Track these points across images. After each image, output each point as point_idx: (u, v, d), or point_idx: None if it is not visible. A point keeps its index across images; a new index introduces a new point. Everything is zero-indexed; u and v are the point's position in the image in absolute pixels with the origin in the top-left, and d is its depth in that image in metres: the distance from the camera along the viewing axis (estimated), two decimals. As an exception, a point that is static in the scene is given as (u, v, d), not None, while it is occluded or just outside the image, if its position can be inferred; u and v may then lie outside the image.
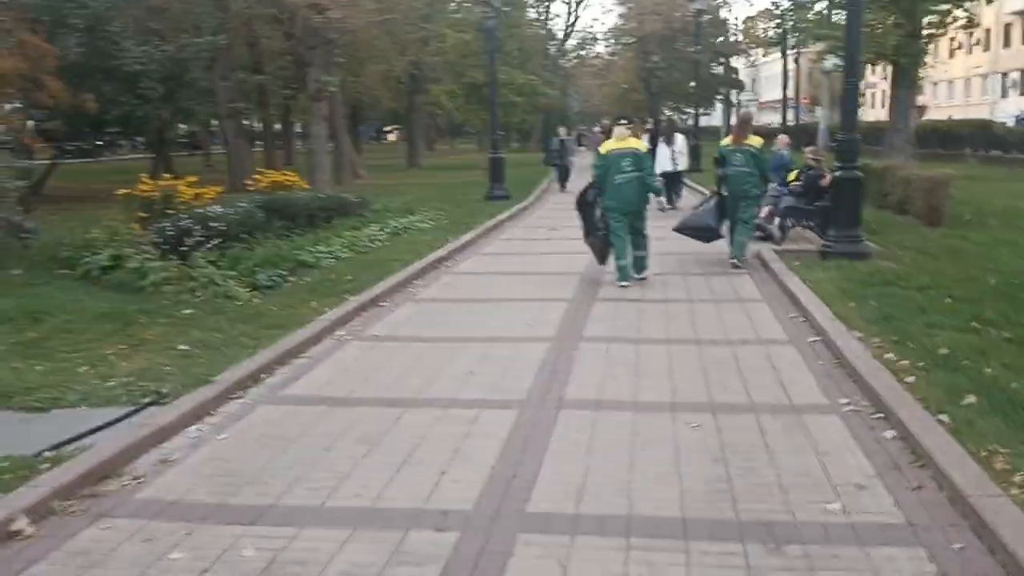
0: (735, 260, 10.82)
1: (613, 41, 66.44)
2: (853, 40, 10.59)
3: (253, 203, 12.37)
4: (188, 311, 8.28)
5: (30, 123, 24.98)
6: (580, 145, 62.96)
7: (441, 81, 38.71)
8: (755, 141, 10.81)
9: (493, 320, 8.18)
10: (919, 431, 4.77)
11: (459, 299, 9.25)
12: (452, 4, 38.27)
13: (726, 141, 11.23)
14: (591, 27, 66.05)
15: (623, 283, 9.80)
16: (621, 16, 61.52)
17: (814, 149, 13.25)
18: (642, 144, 11.01)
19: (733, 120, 71.76)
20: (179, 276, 9.27)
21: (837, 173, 10.82)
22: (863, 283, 8.92)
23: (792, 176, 13.64)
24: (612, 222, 9.96)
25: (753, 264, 11.02)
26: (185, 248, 10.15)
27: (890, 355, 6.29)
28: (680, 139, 18.82)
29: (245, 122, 38.26)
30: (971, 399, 5.28)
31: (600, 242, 10.24)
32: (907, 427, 4.86)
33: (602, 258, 10.37)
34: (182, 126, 48.80)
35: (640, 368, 6.45)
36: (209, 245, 10.30)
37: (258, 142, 41.37)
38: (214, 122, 34.03)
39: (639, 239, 10.22)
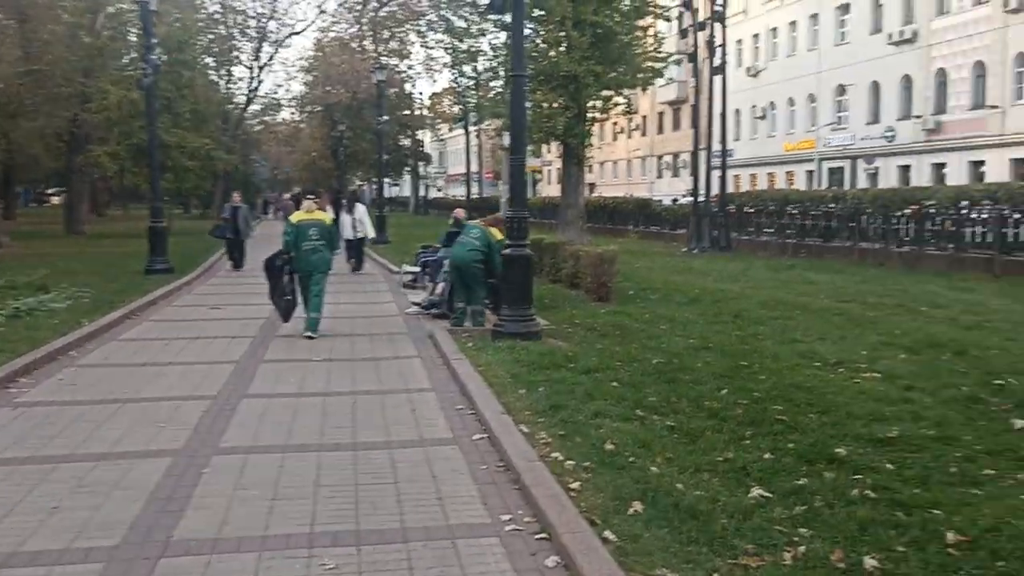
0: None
1: (298, 109, 65.24)
2: (518, 120, 10.48)
3: None
4: None
5: None
6: (266, 212, 61.04)
7: (107, 141, 35.37)
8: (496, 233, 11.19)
9: (109, 429, 6.72)
10: (581, 556, 4.17)
11: (70, 401, 7.60)
12: (113, 61, 35.18)
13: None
14: (276, 93, 64.35)
15: (310, 334, 11.03)
16: (306, 84, 60.66)
17: (496, 218, 13.02)
18: (327, 216, 12.43)
19: (421, 192, 73.34)
20: None
21: (507, 251, 10.56)
22: (533, 366, 8.56)
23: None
24: (301, 284, 11.34)
25: (427, 346, 10.45)
26: None
27: (557, 454, 5.79)
28: (361, 208, 20.24)
29: None
30: (637, 506, 4.84)
31: (285, 303, 11.33)
32: (569, 552, 4.25)
33: (287, 317, 11.41)
34: None
35: (280, 488, 5.40)
36: None
37: None
38: None
39: (316, 300, 11.28)
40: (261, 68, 57.91)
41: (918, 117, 39.41)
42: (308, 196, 12.60)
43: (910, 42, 39.78)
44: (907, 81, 40.58)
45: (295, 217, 11.63)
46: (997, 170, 34.88)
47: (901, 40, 40.15)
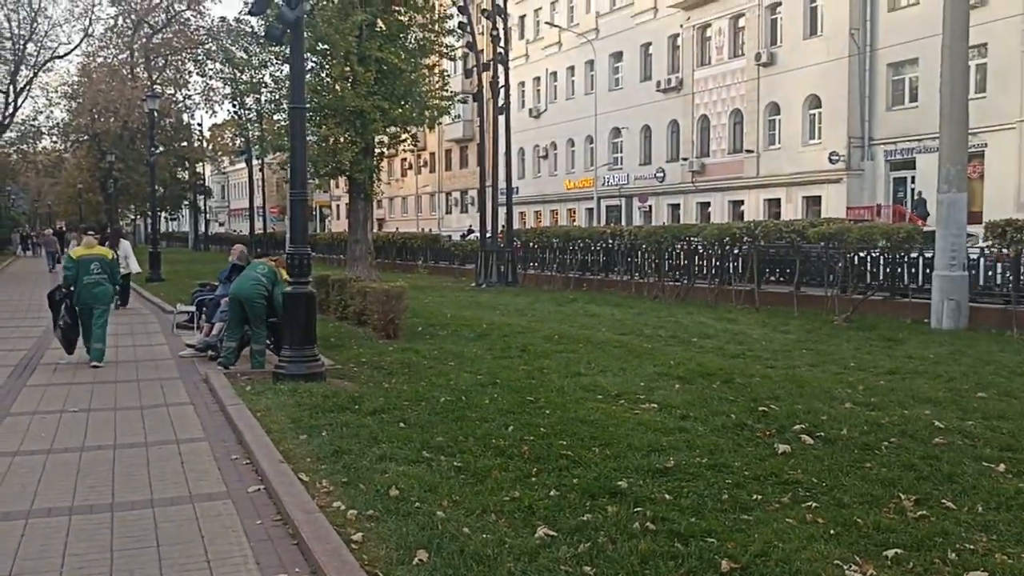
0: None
1: (61, 137, 60.58)
2: (297, 154, 10.11)
3: None
4: None
5: None
6: (27, 249, 56.04)
7: None
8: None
9: None
10: (364, 616, 3.91)
11: None
12: None
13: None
14: (35, 120, 59.42)
15: (97, 363, 11.45)
16: (70, 111, 56.52)
17: (279, 260, 12.46)
18: (108, 251, 12.63)
19: (201, 227, 70.27)
20: None
21: (287, 288, 10.12)
22: (316, 409, 8.18)
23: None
24: (81, 316, 11.66)
25: (201, 391, 9.79)
26: None
27: (339, 503, 5.49)
28: (125, 244, 19.83)
29: None
30: (422, 555, 4.63)
31: (65, 334, 11.74)
32: (351, 612, 3.98)
33: (69, 348, 11.85)
34: None
35: (17, 561, 4.75)
36: None
37: None
38: None
39: (99, 332, 11.67)
40: (18, 93, 53.37)
41: (685, 159, 42.25)
42: (88, 232, 13.39)
43: (676, 90, 42.68)
44: (675, 126, 43.46)
45: (75, 252, 12.04)
46: (754, 209, 37.97)
47: (668, 88, 43.00)
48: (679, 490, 5.69)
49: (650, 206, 44.95)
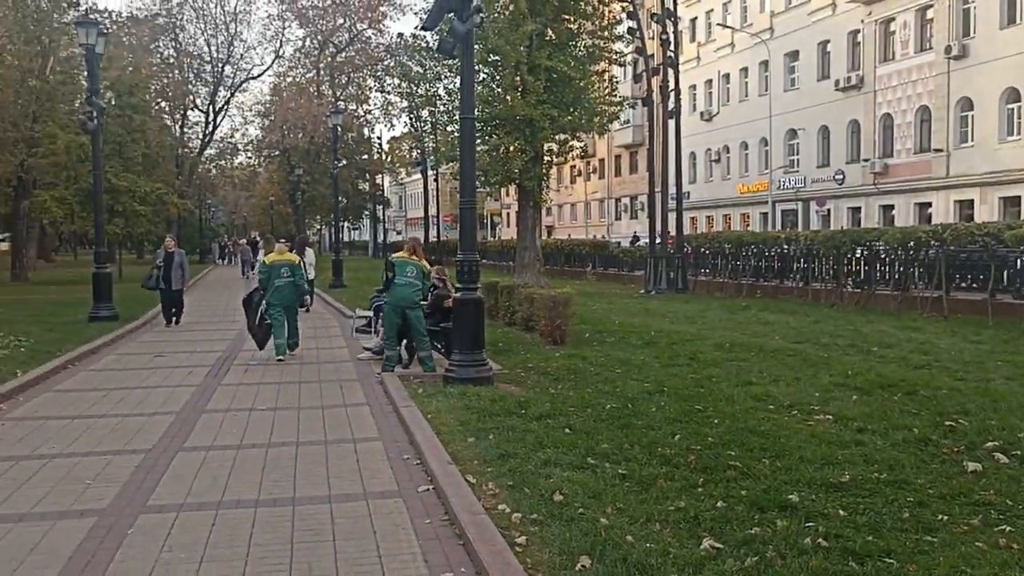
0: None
1: (255, 153, 64.91)
2: (467, 163, 10.35)
3: None
4: None
5: None
6: (223, 258, 60.22)
7: (55, 185, 34.84)
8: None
9: (33, 487, 6.35)
10: (526, 619, 3.95)
11: (-7, 459, 7.24)
12: (63, 106, 34.73)
13: (401, 255, 11.80)
14: (232, 137, 64.29)
15: (280, 357, 12.75)
16: (263, 128, 60.43)
17: (439, 268, 12.88)
18: (297, 258, 14.00)
19: (380, 236, 73.12)
20: None
21: (457, 294, 10.40)
22: (484, 413, 8.34)
23: (420, 295, 13.18)
24: (273, 314, 12.98)
25: (376, 392, 10.20)
26: None
27: (504, 506, 5.56)
28: (309, 252, 20.98)
29: None
30: (585, 561, 4.62)
31: (263, 332, 13.23)
32: (513, 614, 4.03)
33: (261, 345, 13.37)
34: None
35: (209, 549, 5.10)
36: None
37: None
38: None
39: (293, 329, 13.25)
40: (217, 112, 57.64)
41: (866, 160, 40.20)
42: (280, 240, 14.87)
43: (856, 88, 40.69)
44: (855, 125, 41.44)
45: (269, 258, 13.46)
46: (943, 211, 35.61)
47: (848, 86, 41.06)
48: (855, 506, 5.42)
49: (828, 210, 43.06)
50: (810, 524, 5.10)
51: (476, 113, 10.82)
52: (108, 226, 28.15)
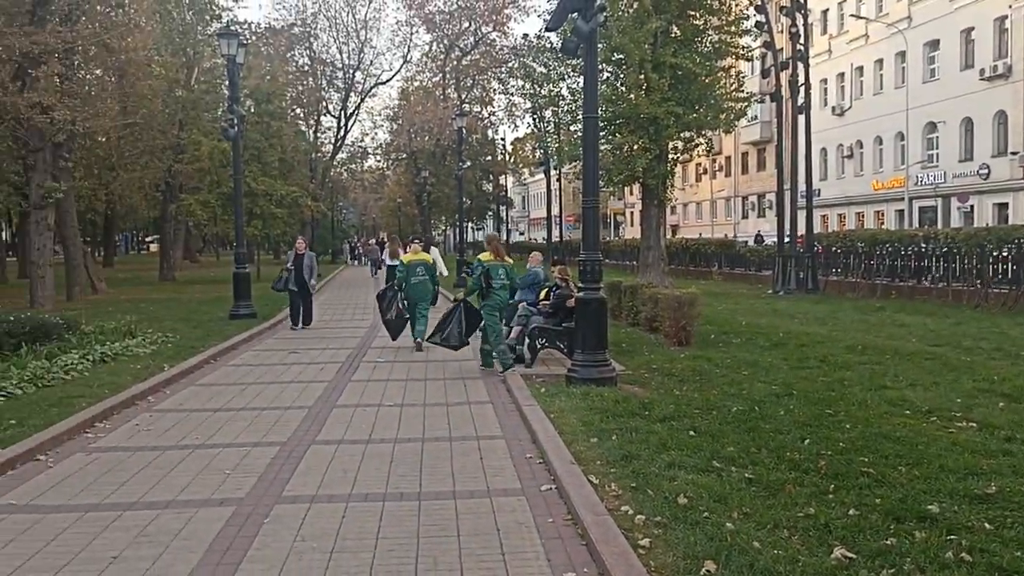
0: (502, 371, 11.40)
1: (384, 156, 66.69)
2: (590, 162, 10.33)
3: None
4: None
5: None
6: (354, 259, 62.05)
7: (199, 190, 36.80)
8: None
9: (177, 475, 6.73)
10: (649, 622, 3.91)
11: (143, 447, 7.68)
12: (207, 114, 36.62)
13: (487, 257, 12.27)
14: (362, 141, 66.37)
15: (417, 340, 14.00)
16: (391, 132, 61.98)
17: (562, 268, 12.89)
18: (430, 257, 15.16)
19: (503, 236, 73.86)
20: None
21: (580, 294, 10.38)
22: (607, 414, 8.30)
23: (543, 295, 13.24)
24: (410, 309, 14.28)
25: (500, 391, 10.31)
26: None
27: (627, 507, 5.53)
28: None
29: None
30: (710, 566, 4.55)
31: (395, 325, 14.48)
32: (636, 617, 3.99)
33: (395, 336, 14.64)
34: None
35: (340, 540, 5.27)
36: None
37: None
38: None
39: (423, 320, 14.26)
40: (348, 117, 59.49)
41: (1015, 153, 37.89)
42: (415, 240, 15.91)
43: (1004, 77, 38.41)
44: (1002, 117, 39.13)
45: (406, 258, 14.78)
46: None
47: (994, 75, 38.81)
48: (1002, 520, 5.12)
49: (971, 206, 40.81)
50: (952, 537, 4.85)
51: (599, 112, 10.76)
52: (247, 228, 29.49)
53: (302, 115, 56.75)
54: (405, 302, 14.45)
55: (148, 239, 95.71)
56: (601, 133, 22.78)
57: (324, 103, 58.65)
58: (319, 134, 60.45)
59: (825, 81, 51.79)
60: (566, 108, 28.88)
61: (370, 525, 5.52)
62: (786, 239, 26.22)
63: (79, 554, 5.04)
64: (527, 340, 12.25)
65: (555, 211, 61.24)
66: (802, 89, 25.72)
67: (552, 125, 48.48)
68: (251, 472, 6.78)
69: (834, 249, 26.90)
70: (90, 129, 22.66)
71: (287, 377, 11.63)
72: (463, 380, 11.25)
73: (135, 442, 7.91)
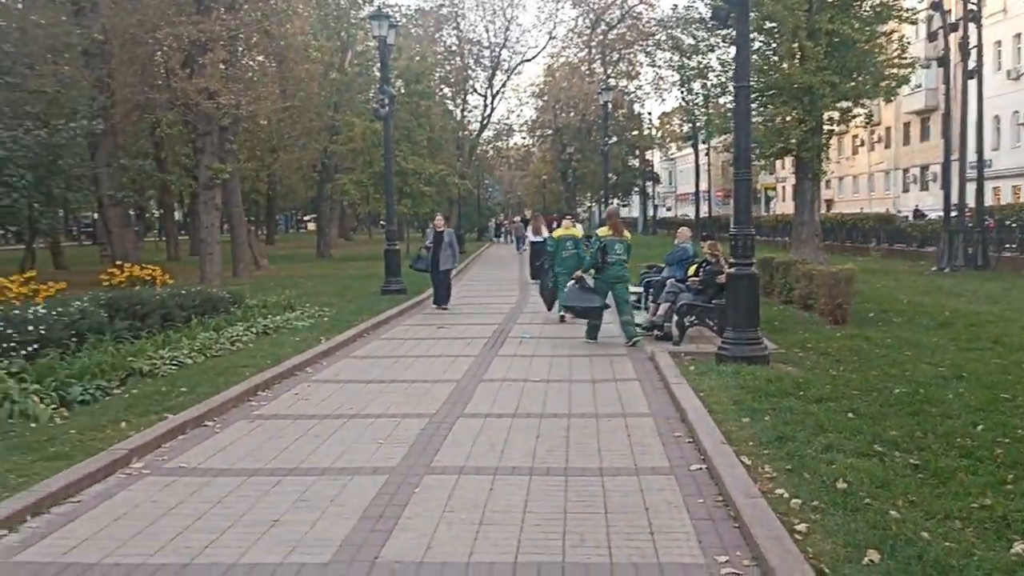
0: (632, 342, 11.89)
1: (529, 133, 66.98)
2: (742, 133, 9.96)
3: (95, 301, 11.01)
4: (-33, 436, 6.91)
5: None
6: (498, 236, 62.79)
7: (352, 170, 38.06)
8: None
9: (333, 444, 6.96)
10: (808, 610, 3.74)
11: (302, 415, 8.00)
12: (360, 95, 37.74)
13: (604, 232, 12.57)
14: (507, 119, 67.08)
15: (563, 314, 14.36)
16: (537, 109, 62.12)
17: (712, 243, 12.54)
18: (579, 232, 15.79)
19: (650, 212, 72.98)
20: (-30, 391, 7.85)
21: (731, 270, 10.07)
22: (760, 393, 8.03)
23: (692, 271, 12.95)
24: (560, 282, 14.28)
25: (647, 368, 10.16)
26: (-6, 356, 8.79)
27: (781, 491, 5.32)
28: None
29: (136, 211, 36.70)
30: (873, 555, 4.32)
31: (549, 296, 15.31)
32: (793, 604, 3.83)
33: (549, 306, 15.51)
34: (93, 215, 46.76)
35: (487, 512, 5.31)
36: (23, 352, 8.92)
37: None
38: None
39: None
40: (494, 95, 60.02)
41: None
42: (567, 216, 16.81)
43: None
44: None
45: (556, 233, 15.39)
46: None
47: None
48: None
49: None
50: None
51: (751, 83, 10.35)
52: (397, 206, 30.23)
53: (450, 94, 57.60)
54: (554, 276, 15.00)
55: (306, 218, 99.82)
56: (752, 104, 22.03)
57: (471, 82, 59.34)
58: (466, 113, 61.23)
59: (999, 43, 48.17)
60: (715, 80, 27.99)
61: (517, 499, 5.54)
62: (952, 213, 24.63)
63: (243, 517, 5.28)
64: (675, 317, 12.02)
65: (703, 186, 59.82)
66: (974, 52, 24.01)
67: (701, 98, 47.29)
68: (402, 442, 6.94)
69: (1008, 223, 25.07)
70: (252, 112, 23.69)
71: (435, 351, 11.86)
72: (609, 357, 11.14)
73: (294, 410, 8.25)
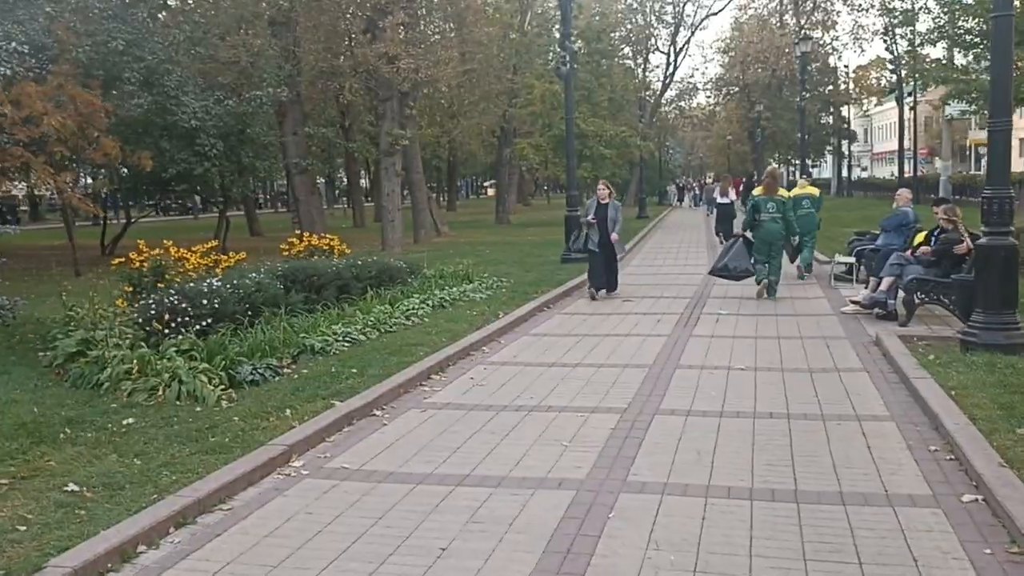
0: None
1: (714, 91, 64.04)
2: (1002, 73, 8.19)
3: (271, 273, 10.65)
4: (129, 420, 6.49)
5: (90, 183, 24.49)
6: (680, 200, 60.49)
7: (531, 134, 37.35)
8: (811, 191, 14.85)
9: (511, 444, 6.05)
10: None
11: (477, 405, 7.13)
12: (539, 59, 36.85)
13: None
14: (691, 77, 64.44)
15: (765, 296, 12.96)
16: (723, 66, 59.20)
17: (949, 207, 10.70)
18: (786, 193, 14.22)
19: (844, 172, 68.48)
20: (140, 370, 7.51)
21: (982, 240, 8.37)
22: (1030, 393, 6.46)
23: (919, 240, 11.20)
24: (756, 255, 13.03)
25: (873, 356, 8.67)
26: (169, 331, 8.49)
27: (1106, 545, 3.91)
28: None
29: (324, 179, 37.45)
30: None
31: (742, 272, 13.02)
32: None
33: (738, 279, 13.33)
34: (282, 182, 48.75)
35: (703, 548, 4.22)
36: (198, 327, 8.59)
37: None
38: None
39: (775, 267, 13.15)
40: (677, 53, 57.62)
41: None
42: (764, 179, 14.71)
43: None
44: None
45: (756, 191, 13.97)
46: None
47: None
48: None
49: None
50: None
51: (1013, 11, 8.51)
52: (577, 170, 29.22)
53: (630, 54, 55.76)
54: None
55: (485, 184, 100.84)
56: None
57: (653, 40, 57.17)
58: (647, 72, 59.15)
59: None
60: (933, 24, 25.04)
61: (739, 535, 4.40)
62: None
63: (406, 540, 4.44)
64: (901, 293, 10.37)
65: (907, 144, 55.12)
66: None
67: (907, 44, 43.22)
68: (590, 445, 5.94)
69: None
70: (432, 77, 23.28)
71: (622, 329, 10.78)
72: (824, 340, 9.67)
73: (469, 399, 7.41)
